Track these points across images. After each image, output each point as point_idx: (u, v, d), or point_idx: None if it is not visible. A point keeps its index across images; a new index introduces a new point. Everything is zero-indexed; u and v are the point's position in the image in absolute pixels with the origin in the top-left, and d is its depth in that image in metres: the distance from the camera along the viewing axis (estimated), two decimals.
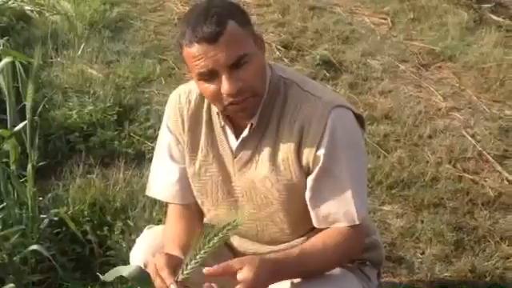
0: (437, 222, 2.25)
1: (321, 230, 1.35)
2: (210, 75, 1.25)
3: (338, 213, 1.31)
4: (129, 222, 2.15)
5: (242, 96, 1.25)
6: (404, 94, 3.17)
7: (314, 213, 1.34)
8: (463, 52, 3.60)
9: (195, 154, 1.42)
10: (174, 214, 1.49)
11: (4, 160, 1.98)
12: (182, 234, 1.43)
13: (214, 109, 1.38)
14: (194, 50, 1.23)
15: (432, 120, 2.94)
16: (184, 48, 1.26)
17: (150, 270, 1.24)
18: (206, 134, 1.40)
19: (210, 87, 1.26)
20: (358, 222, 1.31)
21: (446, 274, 2.05)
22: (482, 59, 3.51)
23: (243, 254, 1.51)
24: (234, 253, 1.55)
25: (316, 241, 1.31)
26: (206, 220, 1.51)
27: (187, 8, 3.98)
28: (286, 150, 1.32)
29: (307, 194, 1.33)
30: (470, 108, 3.09)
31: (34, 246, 1.85)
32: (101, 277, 1.07)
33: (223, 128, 1.38)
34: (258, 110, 1.32)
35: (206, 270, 1.17)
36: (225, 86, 1.23)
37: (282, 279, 1.26)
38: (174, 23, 3.86)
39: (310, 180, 1.32)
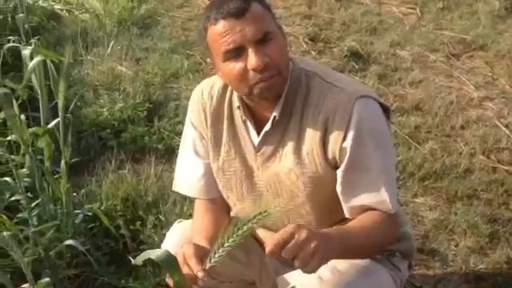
0: (471, 213, 2.21)
1: (350, 220, 1.34)
2: (236, 52, 1.24)
3: (371, 204, 1.30)
4: (160, 216, 2.18)
5: (268, 72, 1.24)
6: (435, 85, 3.12)
7: (347, 206, 1.33)
8: (495, 40, 3.52)
9: (218, 149, 1.42)
10: (200, 208, 1.50)
11: (38, 157, 2.02)
12: (209, 227, 1.44)
13: (235, 103, 1.38)
14: (220, 26, 1.23)
15: (464, 110, 2.89)
16: (209, 29, 1.26)
17: (179, 259, 1.25)
18: (228, 129, 1.40)
19: (236, 66, 1.25)
20: (393, 211, 1.29)
21: (480, 267, 2.02)
22: None
23: None
24: (261, 245, 1.55)
25: (354, 224, 1.28)
26: (232, 213, 1.52)
27: None
28: (311, 142, 1.31)
29: (338, 188, 1.32)
30: (503, 97, 3.03)
31: (69, 241, 1.88)
32: (132, 260, 1.08)
33: (244, 122, 1.38)
34: (281, 100, 1.31)
35: (267, 250, 1.13)
36: (252, 60, 1.23)
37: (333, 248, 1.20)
38: (200, 18, 3.86)
39: (339, 173, 1.31)
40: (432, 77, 3.20)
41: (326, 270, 1.27)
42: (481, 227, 2.14)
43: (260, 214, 1.07)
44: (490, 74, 3.24)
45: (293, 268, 1.46)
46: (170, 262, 1.08)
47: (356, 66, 3.28)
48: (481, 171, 2.45)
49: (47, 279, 1.59)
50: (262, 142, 1.36)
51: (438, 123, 2.77)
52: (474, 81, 3.17)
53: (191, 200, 2.14)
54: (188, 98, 2.92)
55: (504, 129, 2.74)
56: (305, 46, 3.51)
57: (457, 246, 2.11)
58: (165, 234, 2.03)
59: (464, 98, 3.01)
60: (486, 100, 3.01)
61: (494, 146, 2.62)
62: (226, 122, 1.40)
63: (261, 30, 1.23)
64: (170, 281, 1.25)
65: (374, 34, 3.64)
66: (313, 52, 3.45)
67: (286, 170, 1.34)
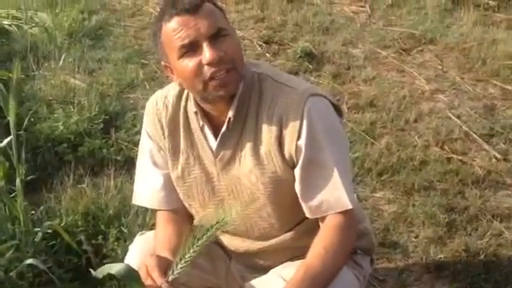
0: (428, 204, 2.27)
1: (313, 220, 1.36)
2: (191, 47, 1.25)
3: (329, 200, 1.32)
4: (123, 228, 2.15)
5: (223, 65, 1.25)
6: (387, 81, 3.19)
7: (306, 204, 1.34)
8: (443, 34, 3.63)
9: (177, 158, 1.42)
10: (162, 219, 1.50)
11: None
12: (172, 238, 1.44)
13: (191, 110, 1.38)
14: (174, 23, 1.25)
15: (417, 104, 2.97)
16: (163, 27, 1.27)
17: (141, 272, 1.25)
18: (185, 137, 1.41)
19: (191, 62, 1.26)
20: (350, 207, 1.31)
21: (440, 256, 2.07)
22: (463, 39, 3.54)
23: (235, 252, 1.53)
24: (226, 251, 1.56)
25: (316, 250, 1.30)
26: (195, 222, 1.52)
27: None
28: (267, 142, 1.33)
29: (297, 187, 1.34)
30: (454, 89, 3.12)
31: (30, 260, 1.85)
32: (92, 272, 1.07)
33: (202, 128, 1.38)
34: (235, 101, 1.32)
35: None
36: (207, 54, 1.24)
37: None
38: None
39: (296, 172, 1.33)
40: (384, 73, 3.27)
41: (291, 275, 1.29)
42: (438, 217, 2.21)
43: (218, 222, 1.08)
44: (440, 67, 3.33)
45: (258, 272, 1.49)
46: (131, 275, 1.08)
47: (310, 67, 3.32)
48: (436, 162, 2.52)
49: None
50: (220, 146, 1.37)
51: (392, 118, 2.83)
52: (426, 74, 3.25)
53: (153, 210, 2.13)
54: (145, 108, 2.96)
55: (456, 119, 2.82)
56: (259, 48, 3.54)
57: (416, 237, 2.16)
58: (128, 247, 2.03)
59: (416, 91, 3.09)
60: (438, 92, 3.10)
61: (447, 137, 2.70)
62: (182, 130, 1.41)
63: (215, 25, 1.25)
64: None
65: (326, 34, 3.69)
66: (267, 54, 3.48)
67: (247, 172, 1.36)
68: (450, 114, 2.87)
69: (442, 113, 2.89)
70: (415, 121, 2.82)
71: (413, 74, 3.26)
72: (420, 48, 3.55)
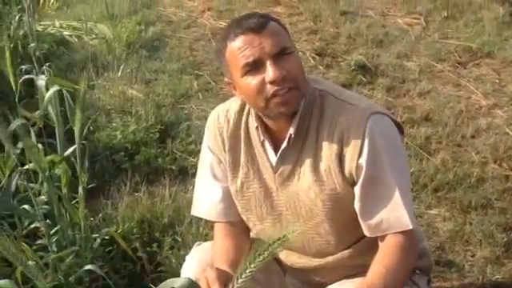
0: (486, 223, 2.22)
1: (371, 239, 1.35)
2: (254, 65, 1.27)
3: (389, 219, 1.31)
4: (177, 237, 2.20)
5: (286, 84, 1.27)
6: (443, 95, 3.13)
7: (366, 222, 1.34)
8: (501, 47, 3.54)
9: (237, 171, 1.44)
10: (220, 231, 1.52)
11: (56, 184, 2.05)
12: (230, 250, 1.46)
13: (253, 125, 1.40)
14: (239, 41, 1.28)
15: (474, 119, 2.90)
16: (228, 45, 1.30)
17: (202, 284, 1.27)
18: (246, 152, 1.42)
19: (254, 80, 1.28)
20: (411, 227, 1.30)
21: (497, 276, 2.02)
22: None
23: (290, 268, 1.53)
24: (282, 266, 1.56)
25: (377, 269, 1.29)
26: (252, 234, 1.53)
27: (220, 23, 4.06)
28: (328, 160, 1.33)
29: (356, 205, 1.34)
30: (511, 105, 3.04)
31: (89, 266, 1.90)
32: (152, 287, 1.10)
33: (262, 143, 1.40)
34: (296, 117, 1.33)
35: None
36: (270, 72, 1.26)
37: None
38: (207, 38, 3.92)
39: (356, 190, 1.33)
40: (440, 87, 3.22)
41: None
42: (496, 237, 2.15)
43: (279, 239, 1.09)
44: (497, 81, 3.25)
45: (312, 287, 1.49)
46: None
47: (364, 80, 3.30)
48: (494, 180, 2.46)
49: None
50: (280, 162, 1.38)
51: (448, 133, 2.78)
52: (482, 89, 3.18)
53: (209, 222, 2.16)
54: (199, 118, 3.03)
55: None
56: (312, 61, 3.54)
57: (473, 256, 2.11)
58: (182, 255, 2.07)
59: (473, 106, 3.03)
60: (495, 107, 3.02)
61: (505, 153, 2.63)
62: (243, 145, 1.43)
63: (279, 44, 1.28)
64: None
65: (380, 47, 3.67)
66: (320, 67, 3.48)
67: (305, 188, 1.36)
68: (508, 130, 2.80)
69: (499, 129, 2.82)
70: (472, 136, 2.76)
71: (469, 89, 3.19)
72: (477, 61, 3.48)
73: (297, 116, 1.33)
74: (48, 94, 1.84)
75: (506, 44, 3.58)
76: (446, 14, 3.99)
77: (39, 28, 3.75)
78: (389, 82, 3.25)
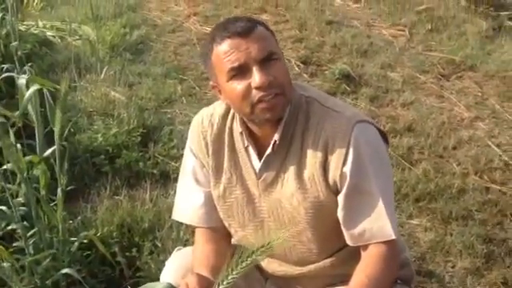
0: (466, 234, 2.23)
1: (353, 248, 1.35)
2: (240, 70, 1.26)
3: (372, 229, 1.30)
4: (157, 242, 2.17)
5: (272, 90, 1.25)
6: (426, 106, 3.16)
7: (348, 231, 1.33)
8: (484, 61, 3.59)
9: (219, 176, 1.42)
10: (201, 236, 1.49)
11: (34, 185, 2.01)
12: (211, 256, 1.44)
13: (237, 130, 1.39)
14: (225, 45, 1.26)
15: (456, 131, 2.93)
16: (214, 49, 1.28)
17: None
18: (229, 157, 1.41)
19: (240, 85, 1.26)
20: (394, 237, 1.30)
21: (477, 287, 2.03)
22: (504, 67, 3.49)
23: (271, 275, 1.52)
24: (262, 273, 1.54)
25: (359, 279, 1.28)
26: (233, 241, 1.51)
27: (206, 28, 4.05)
28: (312, 167, 1.32)
29: (339, 213, 1.32)
30: (493, 117, 3.07)
31: (66, 270, 1.87)
32: None
33: (246, 149, 1.38)
34: (281, 124, 1.32)
35: None
36: (256, 77, 1.24)
37: None
38: (193, 43, 3.91)
39: (340, 198, 1.32)
40: (423, 98, 3.24)
41: None
42: (476, 248, 2.16)
43: (263, 246, 1.07)
44: (479, 94, 3.29)
45: None
46: None
47: (348, 89, 3.32)
48: (474, 191, 2.47)
49: None
50: (264, 168, 1.37)
51: (430, 144, 2.80)
52: (465, 101, 3.21)
53: (187, 225, 2.14)
54: (182, 123, 3.00)
55: (496, 148, 2.77)
56: (297, 69, 3.55)
57: (453, 267, 2.12)
58: (161, 261, 2.04)
59: (455, 118, 3.05)
60: (477, 120, 3.05)
61: (486, 165, 2.65)
62: (227, 150, 1.41)
63: (265, 49, 1.26)
64: None
65: (364, 57, 3.68)
66: (305, 75, 3.49)
67: (288, 195, 1.35)
68: (489, 143, 2.83)
69: (481, 141, 2.85)
70: (454, 148, 2.78)
71: (452, 101, 3.22)
72: (460, 74, 3.52)
73: (282, 122, 1.32)
74: (28, 93, 1.81)
75: (488, 58, 3.63)
76: (430, 27, 4.03)
77: (22, 28, 3.69)
78: (372, 91, 3.27)
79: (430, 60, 3.64)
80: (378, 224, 1.29)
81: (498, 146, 2.80)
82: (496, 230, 2.27)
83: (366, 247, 1.32)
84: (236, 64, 1.25)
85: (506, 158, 2.69)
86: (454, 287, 2.04)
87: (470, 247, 2.17)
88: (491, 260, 2.13)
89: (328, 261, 1.42)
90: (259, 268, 1.53)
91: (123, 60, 3.62)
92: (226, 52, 1.26)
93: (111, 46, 3.74)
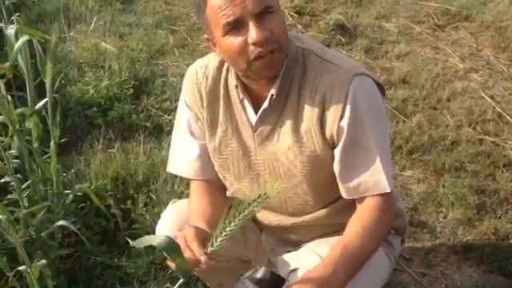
0: (458, 185, 2.25)
1: (348, 199, 1.35)
2: (236, 25, 1.22)
3: (368, 182, 1.30)
4: (151, 194, 2.17)
5: (269, 46, 1.23)
6: (421, 57, 3.13)
7: (344, 185, 1.33)
8: (479, 11, 3.54)
9: (215, 129, 1.41)
10: (196, 188, 1.50)
11: (26, 138, 2.00)
12: (207, 208, 1.44)
13: (232, 82, 1.37)
14: None
15: (450, 82, 2.91)
16: (208, 2, 1.24)
17: (180, 242, 1.25)
18: (224, 109, 1.39)
19: (236, 40, 1.23)
20: (389, 190, 1.30)
21: (468, 238, 2.06)
22: (499, 18, 3.45)
23: (267, 226, 1.53)
24: (257, 224, 1.56)
25: (354, 228, 1.29)
26: (228, 194, 1.52)
27: None
28: (309, 120, 1.31)
29: (335, 167, 1.32)
30: (488, 69, 3.05)
31: (61, 222, 1.87)
32: (131, 242, 1.08)
33: (242, 102, 1.37)
34: (279, 78, 1.30)
35: None
36: (253, 33, 1.21)
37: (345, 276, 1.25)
38: None
39: (337, 152, 1.31)
40: (418, 49, 3.21)
41: (326, 251, 1.30)
42: (468, 199, 2.18)
43: (259, 197, 1.07)
44: (474, 46, 3.26)
45: (288, 246, 1.49)
46: (173, 248, 1.08)
47: (342, 40, 3.27)
48: (467, 143, 2.48)
49: (44, 261, 1.58)
50: (260, 121, 1.36)
51: (424, 96, 2.79)
52: (460, 52, 3.19)
53: (182, 178, 2.14)
54: (175, 75, 2.97)
55: (489, 100, 2.77)
56: (291, 19, 3.48)
57: (445, 217, 2.15)
58: (156, 213, 2.05)
59: (450, 69, 3.03)
60: (472, 71, 3.03)
61: (479, 117, 2.65)
62: (222, 102, 1.39)
63: (262, 2, 1.22)
64: (170, 263, 1.25)
65: (359, 7, 3.62)
66: (299, 25, 3.43)
67: (285, 149, 1.34)
68: (483, 94, 2.82)
69: (475, 93, 2.84)
70: (448, 100, 2.77)
71: (447, 52, 3.19)
72: (455, 25, 3.47)
73: (279, 77, 1.30)
74: (18, 44, 1.76)
75: (484, 8, 3.58)
76: None
77: None
78: (367, 43, 3.23)
79: (425, 10, 3.58)
80: (373, 177, 1.30)
81: (491, 97, 2.79)
82: (488, 181, 2.29)
83: (361, 199, 1.33)
84: (231, 18, 1.22)
85: (500, 110, 2.69)
86: (445, 237, 2.07)
87: (462, 198, 2.19)
88: (482, 211, 2.16)
89: (323, 211, 1.43)
90: (254, 219, 1.55)
91: (113, 10, 3.55)
92: (220, 6, 1.22)
93: None
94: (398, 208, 1.50)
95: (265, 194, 1.07)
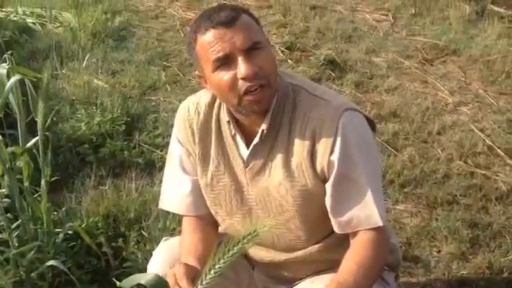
0: (451, 219, 2.24)
1: (341, 234, 1.35)
2: (225, 60, 1.24)
3: (360, 217, 1.30)
4: (143, 232, 2.16)
5: (258, 81, 1.24)
6: (410, 91, 3.16)
7: (336, 219, 1.33)
8: (467, 45, 3.60)
9: (207, 164, 1.42)
10: (188, 225, 1.49)
11: (17, 176, 1.98)
12: (199, 245, 1.43)
13: (224, 118, 1.38)
14: (209, 35, 1.25)
15: (440, 116, 2.94)
16: (198, 39, 1.27)
17: (169, 280, 1.24)
18: (216, 145, 1.40)
19: (226, 76, 1.25)
20: (381, 224, 1.30)
21: (463, 272, 2.05)
22: (487, 51, 3.51)
23: (259, 262, 1.52)
24: (249, 261, 1.54)
25: (348, 265, 1.29)
26: (221, 230, 1.51)
27: (189, 14, 4.00)
28: (299, 155, 1.32)
29: (327, 201, 1.32)
30: (477, 102, 3.08)
31: (51, 262, 1.85)
32: (117, 283, 1.06)
33: (234, 137, 1.38)
34: (269, 113, 1.31)
35: None
36: (242, 68, 1.23)
37: None
38: (176, 29, 3.87)
39: (328, 186, 1.31)
40: (407, 83, 3.24)
41: None
42: (462, 233, 2.18)
43: (250, 234, 1.07)
44: (463, 79, 3.30)
45: (281, 284, 1.47)
46: (161, 286, 1.07)
47: (333, 74, 3.31)
48: (459, 176, 2.49)
49: None
50: (251, 156, 1.36)
51: (415, 129, 2.81)
52: (449, 86, 3.22)
53: (174, 215, 2.13)
54: (166, 111, 2.98)
55: (479, 133, 2.79)
56: (281, 54, 3.53)
57: (439, 252, 2.13)
58: (148, 250, 2.03)
59: (439, 103, 3.06)
60: (461, 105, 3.06)
61: (470, 150, 2.67)
62: (214, 138, 1.40)
63: (250, 38, 1.24)
64: None
65: (349, 42, 3.68)
66: (290, 61, 3.47)
67: (276, 184, 1.35)
68: (473, 127, 2.84)
69: (465, 126, 2.86)
70: (438, 133, 2.79)
71: (436, 86, 3.23)
72: (443, 59, 3.52)
73: (269, 112, 1.31)
74: (9, 83, 1.77)
75: (471, 42, 3.64)
76: (413, 11, 4.03)
77: (1, 15, 3.64)
78: (357, 77, 3.27)
79: (413, 45, 3.64)
80: (365, 212, 1.30)
81: (481, 130, 2.82)
82: (481, 215, 2.28)
83: (354, 234, 1.33)
84: (221, 54, 1.24)
85: (490, 143, 2.71)
86: (439, 272, 2.05)
87: (456, 232, 2.18)
88: (476, 244, 2.15)
89: (315, 247, 1.42)
90: (246, 256, 1.53)
91: (105, 47, 3.58)
92: (210, 42, 1.25)
93: (93, 33, 3.69)
94: (391, 244, 1.50)
95: (255, 231, 1.06)
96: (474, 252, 2.12)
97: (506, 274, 2.03)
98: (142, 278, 1.07)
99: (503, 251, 2.12)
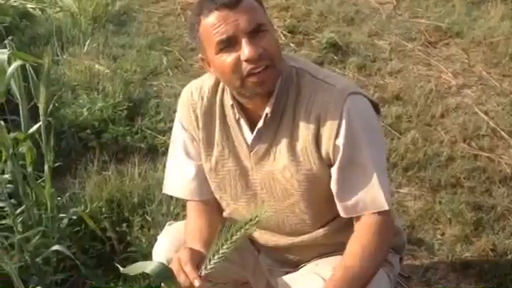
0: (455, 202, 2.24)
1: (345, 218, 1.34)
2: (229, 42, 1.23)
3: (365, 201, 1.30)
4: (147, 217, 2.16)
5: (262, 62, 1.24)
6: (413, 74, 3.14)
7: (341, 203, 1.33)
8: (470, 27, 3.56)
9: (211, 149, 1.41)
10: (193, 210, 1.49)
11: (20, 162, 1.98)
12: (203, 229, 1.43)
13: (228, 102, 1.37)
14: (213, 17, 1.24)
15: (443, 98, 2.92)
16: (202, 21, 1.26)
17: (174, 265, 1.25)
18: (221, 129, 1.39)
19: (229, 58, 1.24)
20: (387, 208, 1.30)
21: (466, 254, 2.05)
22: (490, 33, 3.47)
23: (264, 246, 1.52)
24: (254, 244, 1.55)
25: (354, 249, 1.29)
26: (225, 214, 1.51)
27: None
28: (304, 139, 1.31)
29: (333, 186, 1.32)
30: (480, 84, 3.07)
31: (56, 246, 1.85)
32: (121, 269, 1.06)
33: (238, 121, 1.37)
34: (273, 96, 1.30)
35: None
36: (245, 50, 1.22)
37: None
38: (177, 13, 3.84)
39: (333, 171, 1.31)
40: (410, 66, 3.22)
41: (328, 274, 1.29)
42: (465, 215, 2.17)
43: (252, 219, 1.07)
44: (466, 61, 3.28)
45: (286, 267, 1.48)
46: (166, 274, 1.06)
47: (335, 58, 3.28)
48: (463, 159, 2.48)
49: (39, 287, 1.56)
50: (256, 141, 1.35)
51: (418, 112, 2.79)
52: (452, 68, 3.20)
53: (178, 199, 2.13)
54: (169, 95, 2.97)
55: (483, 115, 2.78)
56: (283, 38, 3.50)
57: (443, 234, 2.14)
58: (152, 235, 2.04)
59: (443, 86, 3.05)
60: (464, 87, 3.05)
61: (474, 133, 2.66)
62: (218, 122, 1.39)
63: (254, 20, 1.23)
64: None
65: (351, 25, 3.65)
66: (292, 44, 3.44)
67: (281, 168, 1.34)
68: (477, 110, 2.83)
69: (468, 108, 2.85)
70: (442, 116, 2.78)
71: (439, 68, 3.21)
72: (446, 41, 3.50)
73: (273, 95, 1.30)
74: (10, 69, 1.75)
75: (474, 24, 3.61)
76: None
77: (1, 0, 3.60)
78: (360, 60, 3.24)
79: (416, 27, 3.61)
80: (370, 195, 1.29)
81: (485, 113, 2.80)
82: (484, 197, 2.28)
83: (359, 218, 1.33)
84: (224, 36, 1.23)
85: (494, 125, 2.70)
86: (443, 255, 2.05)
87: (459, 215, 2.18)
88: (480, 227, 2.15)
89: (321, 231, 1.42)
90: (252, 240, 1.54)
91: (106, 32, 3.55)
92: (213, 24, 1.23)
93: (93, 18, 3.66)
94: (396, 226, 1.50)
95: (256, 216, 1.06)
96: (477, 234, 2.12)
97: (509, 257, 2.03)
98: (146, 267, 1.07)
99: (507, 233, 2.12)
